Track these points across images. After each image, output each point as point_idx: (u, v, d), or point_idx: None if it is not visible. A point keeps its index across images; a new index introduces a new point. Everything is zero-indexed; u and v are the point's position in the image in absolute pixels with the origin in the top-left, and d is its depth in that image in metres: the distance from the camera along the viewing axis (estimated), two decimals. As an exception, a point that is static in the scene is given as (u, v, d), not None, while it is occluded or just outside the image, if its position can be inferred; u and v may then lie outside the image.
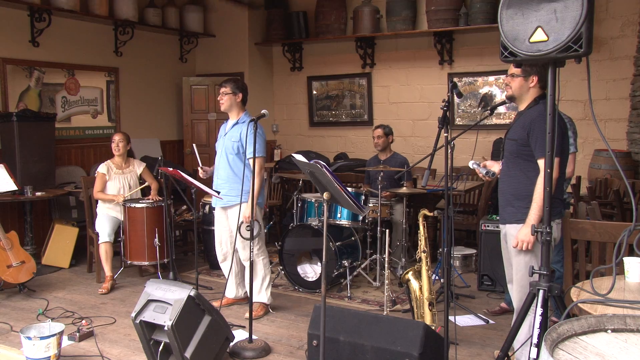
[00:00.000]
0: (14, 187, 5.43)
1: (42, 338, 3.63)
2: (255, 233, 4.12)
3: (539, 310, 2.36)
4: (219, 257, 4.72)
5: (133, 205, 5.30)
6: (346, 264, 5.05)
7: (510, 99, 3.30)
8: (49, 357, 3.63)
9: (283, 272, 5.28)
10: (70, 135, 6.86)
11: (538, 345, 2.28)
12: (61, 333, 3.75)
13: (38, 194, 5.68)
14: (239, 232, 4.20)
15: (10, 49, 6.17)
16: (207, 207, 5.76)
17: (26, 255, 5.13)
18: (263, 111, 4.05)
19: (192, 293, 3.34)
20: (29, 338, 3.62)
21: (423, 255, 3.96)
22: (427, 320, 3.86)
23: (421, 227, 4.06)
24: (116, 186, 5.51)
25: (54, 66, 6.64)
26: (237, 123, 4.50)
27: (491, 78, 7.04)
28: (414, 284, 3.95)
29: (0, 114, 5.97)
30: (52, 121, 6.29)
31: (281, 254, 5.25)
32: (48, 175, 6.08)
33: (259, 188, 4.33)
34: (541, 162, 2.96)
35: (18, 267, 4.97)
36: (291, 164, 6.85)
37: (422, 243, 4.01)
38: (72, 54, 6.81)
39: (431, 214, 4.13)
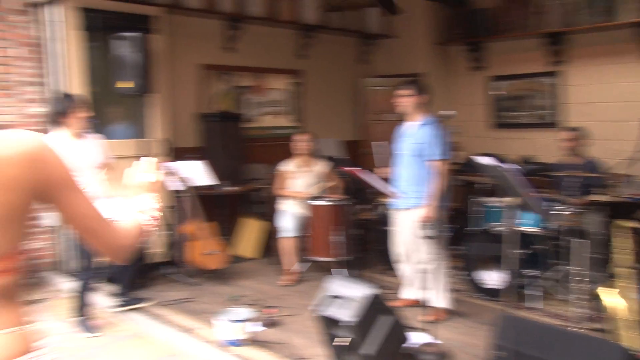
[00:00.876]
0: (214, 182, 5.81)
1: (234, 321, 3.90)
2: (435, 236, 4.06)
3: None
4: (397, 258, 4.72)
5: (317, 202, 5.50)
6: (531, 274, 4.77)
7: None
8: (240, 339, 3.90)
9: (464, 277, 5.15)
10: (258, 134, 7.29)
11: None
12: (250, 319, 4.02)
13: (232, 188, 6.15)
14: (419, 235, 4.17)
15: (209, 55, 6.77)
16: (385, 207, 5.79)
17: (221, 244, 5.55)
18: (449, 112, 3.97)
19: (374, 292, 3.36)
20: (223, 321, 3.92)
21: (627, 271, 3.61)
22: (627, 343, 3.51)
23: (624, 240, 3.70)
24: (300, 184, 5.74)
25: (245, 70, 7.16)
26: (420, 125, 4.46)
27: None
28: (612, 301, 3.62)
29: (202, 114, 6.57)
30: (243, 121, 6.80)
31: (462, 259, 5.12)
32: (240, 171, 6.56)
33: (441, 191, 4.26)
34: None
35: (214, 255, 5.42)
36: (473, 167, 6.64)
37: (626, 257, 3.66)
38: (261, 58, 7.28)
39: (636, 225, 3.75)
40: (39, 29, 5.63)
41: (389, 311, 3.45)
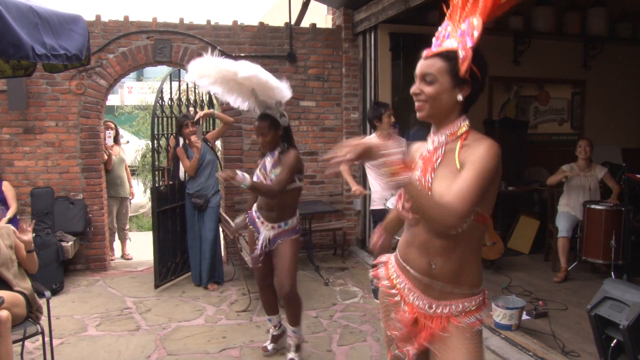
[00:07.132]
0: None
1: (508, 308, 3.87)
2: None
3: None
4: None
5: (593, 206, 5.09)
6: None
7: None
8: (511, 325, 3.85)
9: None
10: (539, 140, 7.03)
11: None
12: (523, 308, 3.93)
13: (510, 188, 6.03)
14: None
15: (497, 68, 6.65)
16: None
17: (498, 238, 5.50)
18: None
19: (654, 300, 3.05)
20: (499, 306, 3.91)
21: None
22: None
23: None
24: (577, 185, 5.38)
25: (530, 81, 6.93)
26: None
27: None
28: None
29: (486, 120, 6.60)
30: (525, 128, 6.60)
31: None
32: (519, 173, 6.41)
33: None
34: None
35: (491, 246, 5.39)
36: None
37: None
38: (544, 70, 6.92)
39: None
40: (358, 52, 6.31)
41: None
